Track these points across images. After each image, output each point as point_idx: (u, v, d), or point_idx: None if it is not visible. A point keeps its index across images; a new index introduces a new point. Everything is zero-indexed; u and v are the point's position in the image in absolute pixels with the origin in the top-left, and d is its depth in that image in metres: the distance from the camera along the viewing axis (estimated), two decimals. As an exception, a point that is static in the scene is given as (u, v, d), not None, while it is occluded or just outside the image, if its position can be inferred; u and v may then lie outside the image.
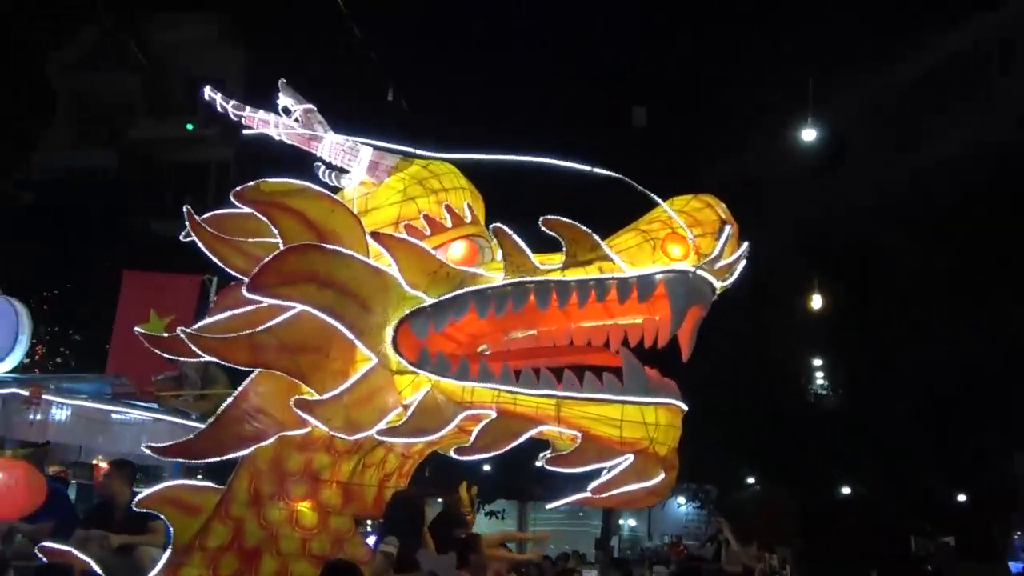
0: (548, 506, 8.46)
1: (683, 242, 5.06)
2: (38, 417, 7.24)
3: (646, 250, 5.13)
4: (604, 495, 5.23)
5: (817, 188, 20.65)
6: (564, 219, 5.16)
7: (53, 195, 24.75)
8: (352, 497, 5.97)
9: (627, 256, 5.13)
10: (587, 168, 5.14)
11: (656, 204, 5.18)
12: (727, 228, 5.16)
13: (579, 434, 5.25)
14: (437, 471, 6.42)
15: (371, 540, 6.16)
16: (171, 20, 27.13)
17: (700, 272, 5.09)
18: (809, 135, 17.52)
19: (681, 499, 32.47)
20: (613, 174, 5.07)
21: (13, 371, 8.43)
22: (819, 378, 25.68)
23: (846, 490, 26.40)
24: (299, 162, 6.33)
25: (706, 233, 5.12)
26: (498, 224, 5.30)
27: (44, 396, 7.23)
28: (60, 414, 7.55)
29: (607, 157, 5.80)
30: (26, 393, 7.06)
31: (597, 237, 5.16)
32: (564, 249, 5.19)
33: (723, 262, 5.16)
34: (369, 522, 6.92)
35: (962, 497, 25.23)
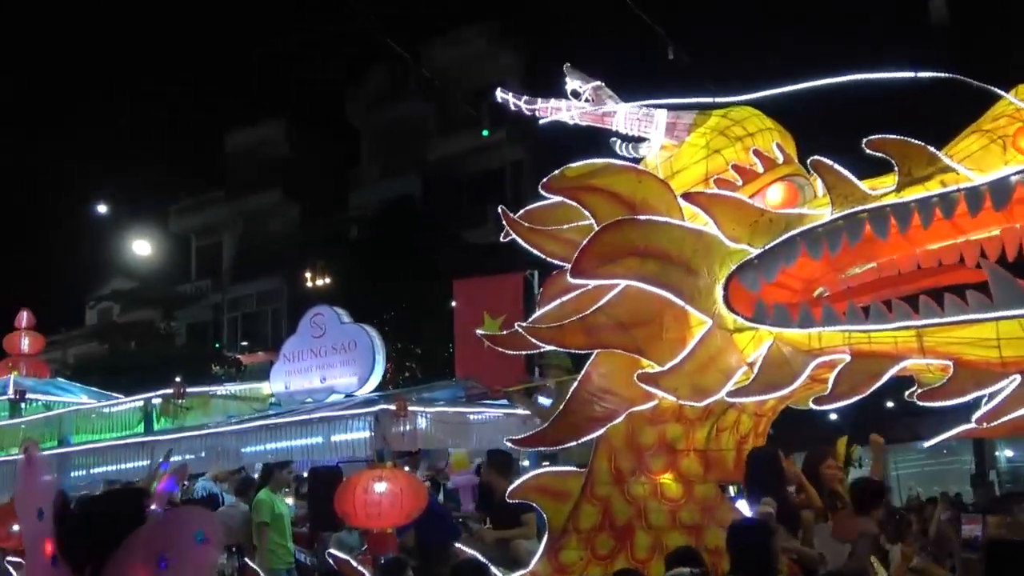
0: (926, 444, 7.86)
1: (1038, 134, 4.43)
2: (407, 428, 7.84)
3: (994, 152, 4.55)
4: (991, 424, 4.72)
5: None
6: (891, 136, 4.71)
7: (374, 226, 26.97)
8: (712, 463, 5.89)
9: (972, 162, 4.58)
10: (909, 75, 4.64)
11: (998, 99, 4.58)
12: None
13: (950, 362, 4.79)
14: (781, 427, 6.16)
15: (741, 505, 6.02)
16: (448, 39, 28.56)
17: None
18: None
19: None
20: (942, 75, 4.54)
21: (376, 390, 9.23)
22: None
23: None
24: (591, 145, 6.33)
25: (1065, 119, 4.46)
26: (816, 157, 4.96)
27: (409, 408, 7.81)
28: (423, 422, 8.12)
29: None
30: (394, 408, 7.67)
31: (932, 148, 4.66)
32: (896, 170, 4.75)
33: None
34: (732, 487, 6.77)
35: None
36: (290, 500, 9.91)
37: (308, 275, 27.18)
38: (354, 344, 9.25)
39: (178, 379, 12.73)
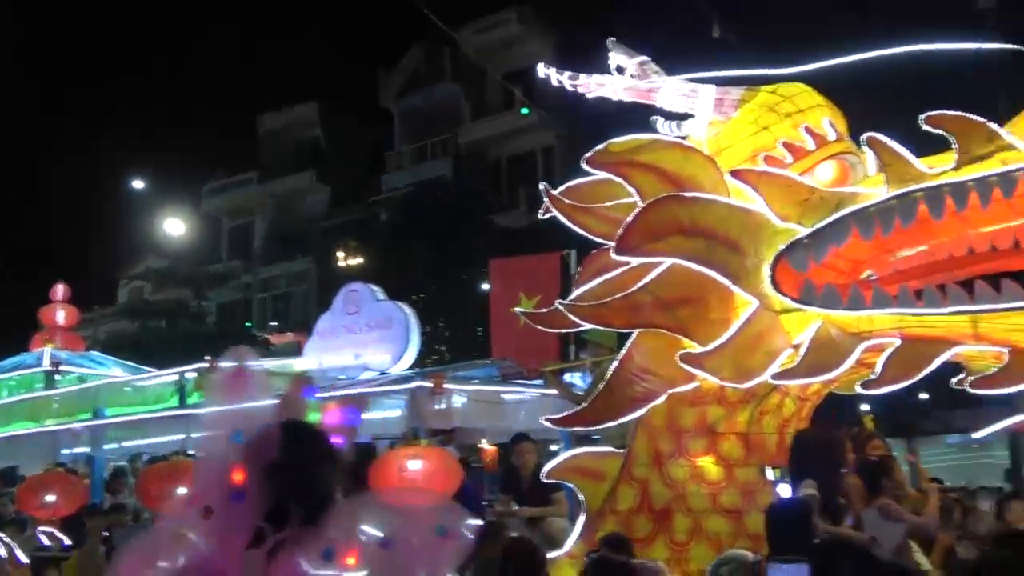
0: (975, 435, 7.72)
1: (1105, 108, 4.29)
2: (443, 406, 7.80)
3: None
4: (1050, 414, 4.60)
5: None
6: (949, 112, 4.58)
7: (405, 209, 26.97)
8: (753, 447, 5.79)
9: (1035, 140, 4.45)
10: (973, 46, 4.50)
11: None
12: None
13: (1005, 349, 4.67)
14: (819, 415, 6.05)
15: (782, 489, 5.91)
16: (482, 24, 28.44)
17: None
18: None
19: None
20: (1006, 46, 4.40)
21: (411, 368, 9.20)
22: None
23: None
24: (624, 128, 6.20)
25: None
26: (871, 134, 4.83)
27: (445, 385, 7.76)
28: (459, 401, 8.09)
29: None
30: (430, 385, 7.63)
31: (993, 125, 4.52)
32: (955, 147, 4.61)
33: None
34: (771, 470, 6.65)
35: None
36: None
37: (339, 255, 27.24)
38: (389, 321, 9.22)
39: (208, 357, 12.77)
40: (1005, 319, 4.63)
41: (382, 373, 9.13)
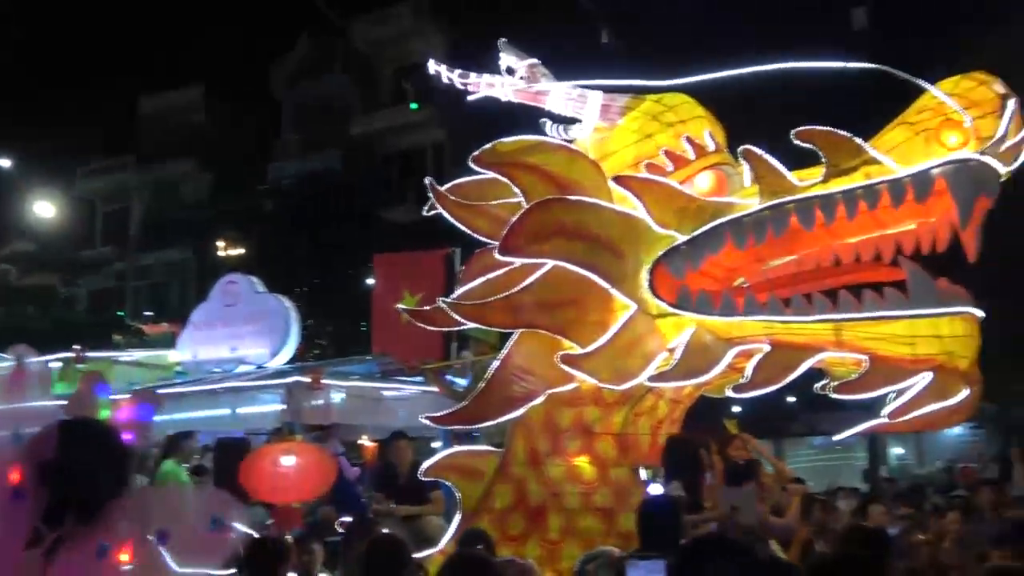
0: (836, 437, 8.04)
1: (959, 127, 4.57)
2: (320, 402, 7.69)
3: (918, 144, 4.67)
4: (903, 419, 4.85)
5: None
6: (818, 127, 4.78)
7: (290, 200, 26.47)
8: (627, 447, 5.90)
9: (897, 154, 4.70)
10: (839, 65, 4.71)
11: (921, 93, 4.69)
12: (1010, 103, 4.61)
13: (865, 357, 4.90)
14: (689, 417, 6.25)
15: (653, 488, 6.06)
16: (376, 16, 28.14)
17: (984, 158, 4.57)
18: None
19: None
20: (870, 65, 4.62)
21: (289, 362, 9.04)
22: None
23: None
24: (515, 128, 6.25)
25: (985, 114, 4.62)
26: (747, 146, 5.00)
27: (323, 381, 7.64)
28: (337, 397, 7.97)
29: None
30: (308, 380, 7.50)
31: (859, 140, 4.74)
32: (823, 161, 4.81)
33: (1009, 143, 4.62)
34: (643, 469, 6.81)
35: None
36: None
37: (219, 246, 26.52)
38: (268, 314, 9.04)
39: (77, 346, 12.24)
40: (865, 328, 4.86)
41: (259, 367, 8.94)
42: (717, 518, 5.93)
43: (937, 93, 4.66)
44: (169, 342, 10.19)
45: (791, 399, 22.35)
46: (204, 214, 30.16)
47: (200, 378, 8.92)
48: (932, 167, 4.59)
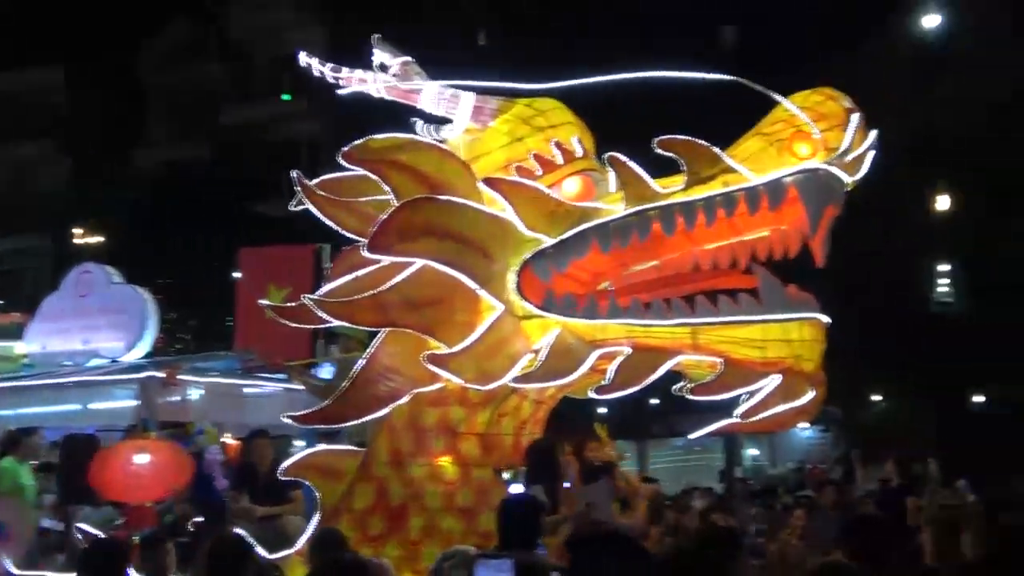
0: (690, 436, 8.32)
1: (809, 139, 4.82)
2: (177, 398, 7.44)
3: (771, 154, 4.90)
4: (753, 419, 5.06)
5: (946, 83, 19.13)
6: (679, 136, 4.94)
7: (156, 189, 25.56)
8: (491, 447, 5.94)
9: (752, 164, 4.90)
10: (699, 75, 4.89)
11: (775, 106, 4.93)
12: (854, 117, 4.88)
13: (720, 360, 5.08)
14: (556, 418, 6.37)
15: (514, 489, 6.11)
16: (253, 3, 27.47)
17: (831, 168, 4.83)
18: (932, 21, 15.88)
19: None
20: (728, 77, 4.82)
21: (146, 357, 8.70)
22: (943, 285, 24.41)
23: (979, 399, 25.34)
24: (391, 124, 6.22)
25: (832, 126, 4.88)
26: (612, 153, 5.12)
27: (180, 377, 7.40)
28: (196, 393, 7.73)
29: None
30: (163, 375, 7.25)
31: (717, 149, 4.93)
32: (684, 169, 4.97)
33: (853, 154, 4.91)
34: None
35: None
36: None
37: (77, 233, 25.35)
38: (124, 306, 8.67)
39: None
40: (721, 332, 5.05)
41: (114, 361, 8.58)
42: (574, 516, 6.04)
43: (789, 106, 4.90)
44: (16, 333, 9.65)
45: (654, 401, 22.97)
46: (62, 199, 28.78)
47: (48, 371, 8.49)
48: (785, 175, 4.83)
